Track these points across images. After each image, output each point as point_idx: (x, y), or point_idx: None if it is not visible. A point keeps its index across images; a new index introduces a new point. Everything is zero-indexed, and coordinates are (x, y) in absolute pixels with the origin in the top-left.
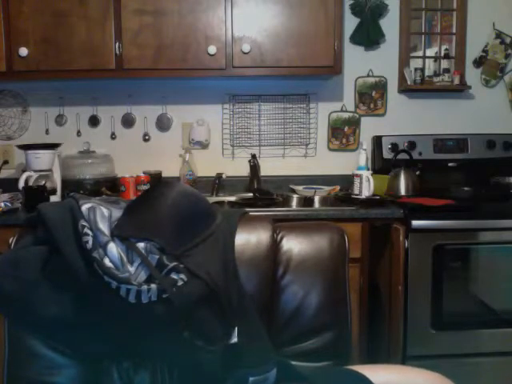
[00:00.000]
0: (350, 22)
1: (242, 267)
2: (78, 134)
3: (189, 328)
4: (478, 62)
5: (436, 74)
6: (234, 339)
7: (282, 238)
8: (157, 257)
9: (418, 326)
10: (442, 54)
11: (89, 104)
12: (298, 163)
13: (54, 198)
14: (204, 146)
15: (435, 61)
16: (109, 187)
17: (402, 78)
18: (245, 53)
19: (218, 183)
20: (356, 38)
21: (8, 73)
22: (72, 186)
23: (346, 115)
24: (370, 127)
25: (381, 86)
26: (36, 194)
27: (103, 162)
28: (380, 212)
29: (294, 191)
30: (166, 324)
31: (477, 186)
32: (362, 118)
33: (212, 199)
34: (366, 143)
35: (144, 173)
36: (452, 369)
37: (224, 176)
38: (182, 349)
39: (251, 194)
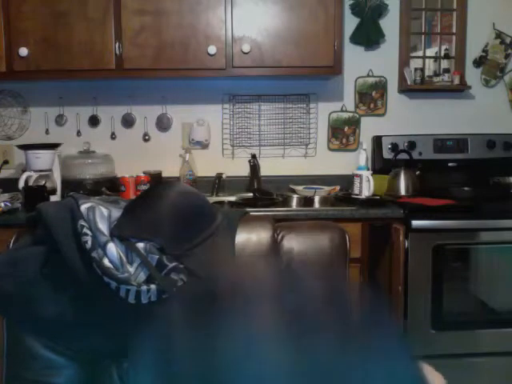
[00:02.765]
0: (350, 22)
1: None
2: (78, 134)
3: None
4: (478, 62)
5: (436, 74)
6: None
7: (282, 238)
8: (156, 257)
9: (418, 326)
10: (442, 54)
11: (89, 104)
12: (297, 163)
13: (53, 198)
14: (204, 146)
15: (435, 61)
16: (109, 187)
17: (402, 78)
18: (245, 53)
19: (218, 183)
20: (356, 38)
21: (8, 73)
22: (72, 186)
23: (345, 115)
24: (369, 127)
25: (381, 86)
26: (36, 194)
27: (103, 162)
28: (380, 212)
29: (294, 191)
30: (166, 324)
31: (477, 185)
32: (362, 118)
33: (212, 199)
34: (366, 143)
35: (144, 173)
36: (452, 369)
37: (224, 176)
38: None
39: (251, 194)
